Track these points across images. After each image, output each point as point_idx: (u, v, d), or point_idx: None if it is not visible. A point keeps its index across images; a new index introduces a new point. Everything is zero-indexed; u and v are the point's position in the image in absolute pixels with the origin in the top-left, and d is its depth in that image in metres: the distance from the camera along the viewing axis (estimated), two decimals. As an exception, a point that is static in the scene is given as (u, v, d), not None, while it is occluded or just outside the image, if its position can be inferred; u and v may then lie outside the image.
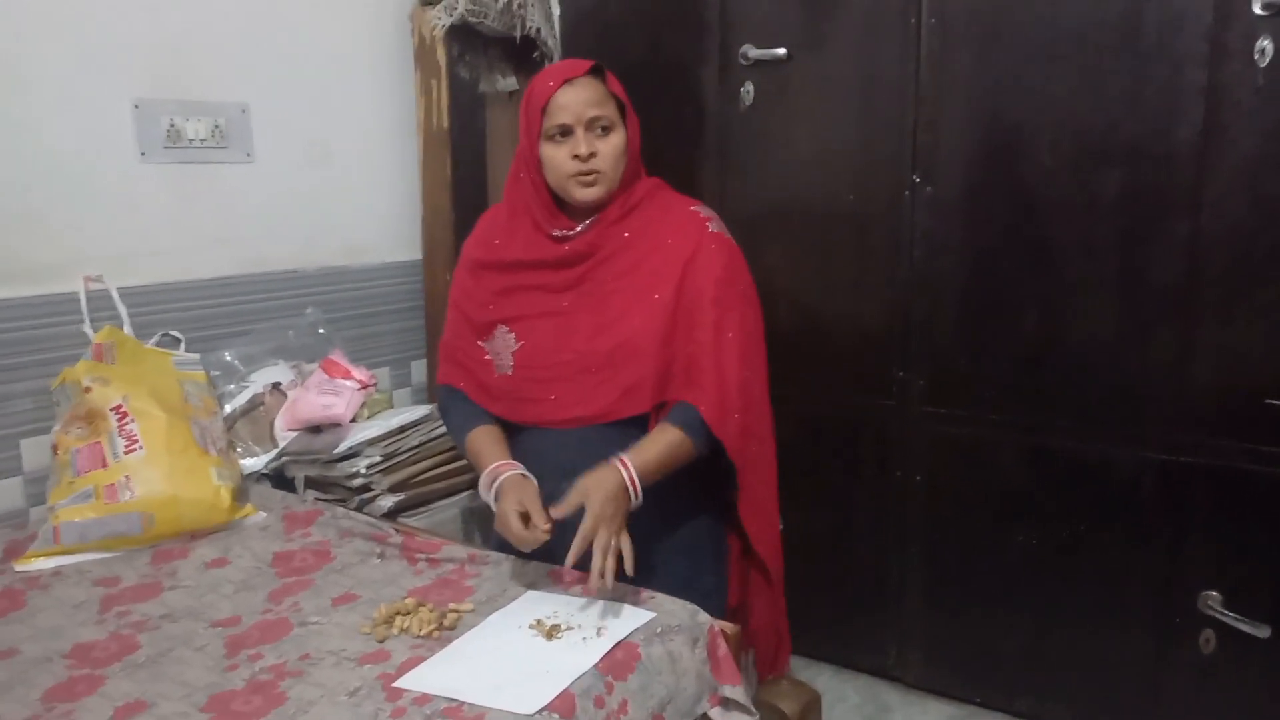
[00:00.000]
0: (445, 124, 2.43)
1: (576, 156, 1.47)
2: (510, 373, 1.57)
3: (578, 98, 1.47)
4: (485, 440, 1.56)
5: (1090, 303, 1.82)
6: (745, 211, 2.11)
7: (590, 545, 1.32)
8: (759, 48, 2.07)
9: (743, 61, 2.10)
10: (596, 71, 1.51)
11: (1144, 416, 1.79)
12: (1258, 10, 1.59)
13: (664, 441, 1.45)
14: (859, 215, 2.04)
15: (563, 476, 1.48)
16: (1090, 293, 1.82)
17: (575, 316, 1.54)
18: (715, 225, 1.58)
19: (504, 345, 1.58)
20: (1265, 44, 1.60)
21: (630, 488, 1.38)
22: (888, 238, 2.01)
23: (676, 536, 1.45)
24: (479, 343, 1.62)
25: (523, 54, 2.45)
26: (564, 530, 1.38)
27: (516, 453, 1.55)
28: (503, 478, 1.45)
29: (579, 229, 1.54)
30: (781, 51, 2.05)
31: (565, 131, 1.48)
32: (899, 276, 2.00)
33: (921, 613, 2.09)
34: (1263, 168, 1.64)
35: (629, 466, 1.39)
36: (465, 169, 2.49)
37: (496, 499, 1.44)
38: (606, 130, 1.49)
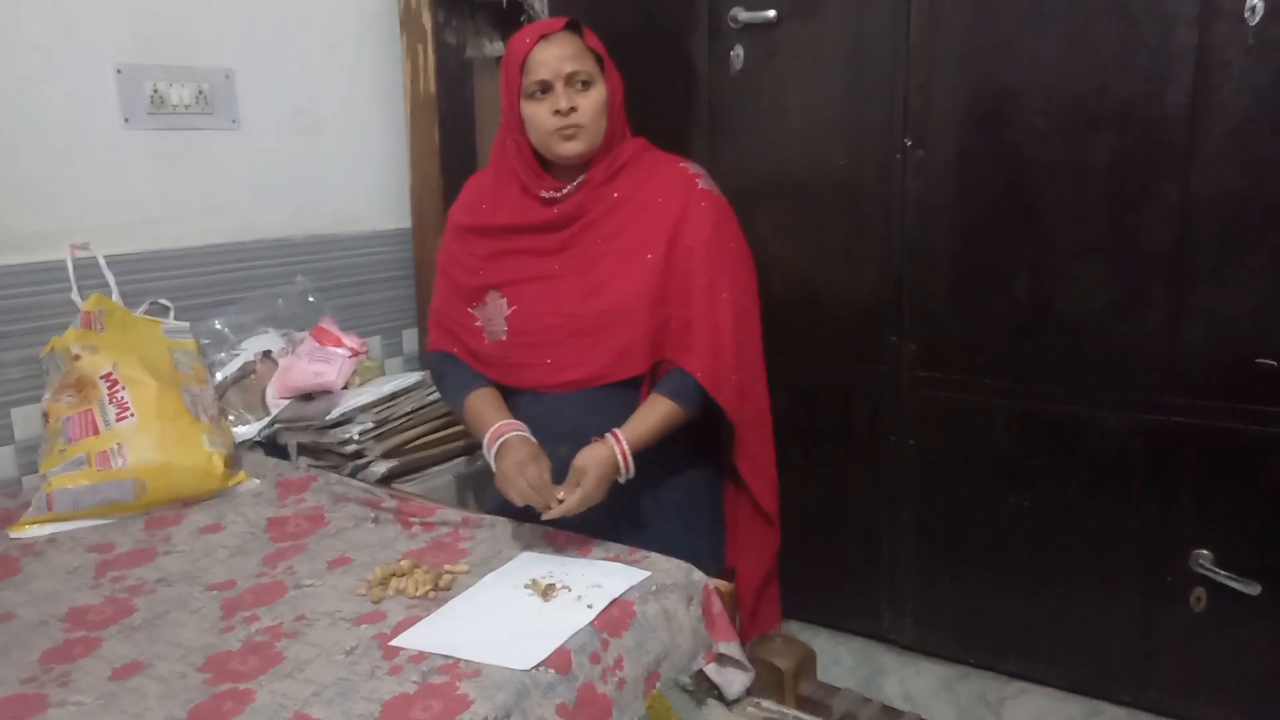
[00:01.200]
0: (432, 90, 2.41)
1: (557, 111, 1.47)
2: (504, 338, 1.57)
3: (555, 53, 1.47)
4: (484, 402, 1.57)
5: (1081, 267, 1.82)
6: (736, 177, 2.10)
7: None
8: (748, 10, 2.06)
9: (732, 25, 2.08)
10: (573, 27, 1.51)
11: (1135, 380, 1.79)
12: (1249, -32, 1.59)
13: (658, 413, 1.47)
14: (850, 180, 2.03)
15: (559, 440, 1.49)
16: (1081, 257, 1.81)
17: (566, 279, 1.54)
18: (704, 182, 1.58)
19: (496, 310, 1.58)
20: (1256, 2, 1.60)
21: (622, 463, 1.40)
22: (879, 203, 2.00)
23: (673, 498, 1.46)
24: (469, 309, 1.61)
25: (510, 19, 2.43)
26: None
27: (513, 417, 1.55)
28: (506, 437, 1.45)
29: (566, 190, 1.54)
30: (771, 14, 2.04)
31: (545, 88, 1.48)
32: (891, 241, 2.00)
33: (914, 576, 2.11)
34: (1253, 129, 1.63)
35: (622, 442, 1.41)
36: (453, 135, 2.47)
37: (497, 459, 1.45)
38: (586, 85, 1.49)
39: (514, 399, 1.59)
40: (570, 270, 1.54)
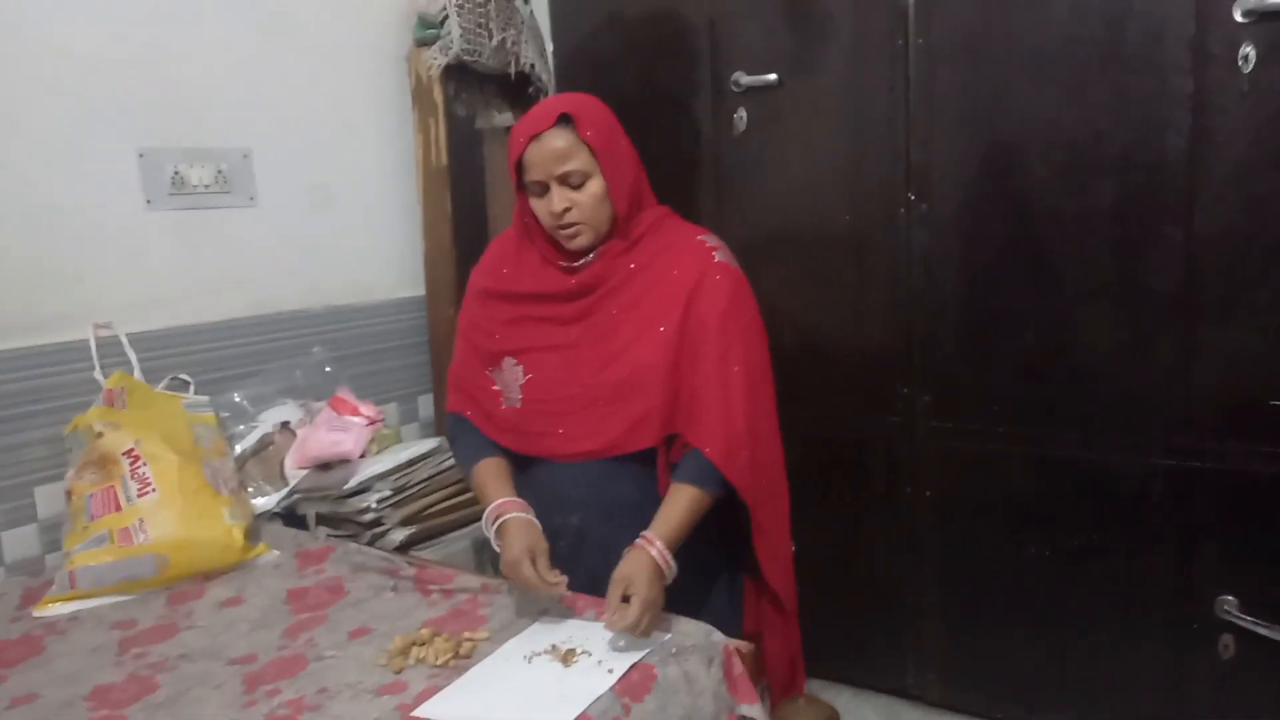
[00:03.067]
0: (444, 161, 2.47)
1: (553, 213, 1.48)
2: (519, 405, 1.58)
3: (545, 155, 1.46)
4: (490, 474, 1.57)
5: (1090, 312, 1.83)
6: (744, 236, 2.13)
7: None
8: (750, 74, 2.11)
9: (734, 89, 2.14)
10: (565, 120, 1.48)
11: (1149, 423, 1.80)
12: (1238, 17, 1.62)
13: (683, 504, 1.44)
14: (856, 236, 2.06)
15: (571, 509, 1.49)
16: (1090, 302, 1.83)
17: (582, 349, 1.55)
18: (721, 255, 1.58)
19: (512, 378, 1.59)
20: (1248, 50, 1.63)
21: (663, 564, 1.38)
22: (886, 257, 2.03)
23: (690, 559, 1.45)
24: (487, 372, 1.63)
25: (518, 89, 2.50)
26: (584, 563, 1.41)
27: (525, 485, 1.56)
28: (506, 518, 1.46)
29: (584, 261, 1.55)
30: (772, 77, 2.09)
31: (543, 188, 1.49)
32: (899, 295, 2.02)
33: (937, 630, 2.09)
34: (1253, 171, 1.66)
35: (656, 544, 1.38)
36: (465, 205, 2.52)
37: (498, 537, 1.46)
38: (582, 180, 1.48)
39: (528, 467, 1.59)
40: (587, 340, 1.54)
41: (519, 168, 1.50)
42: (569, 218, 1.48)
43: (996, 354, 1.94)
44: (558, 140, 1.46)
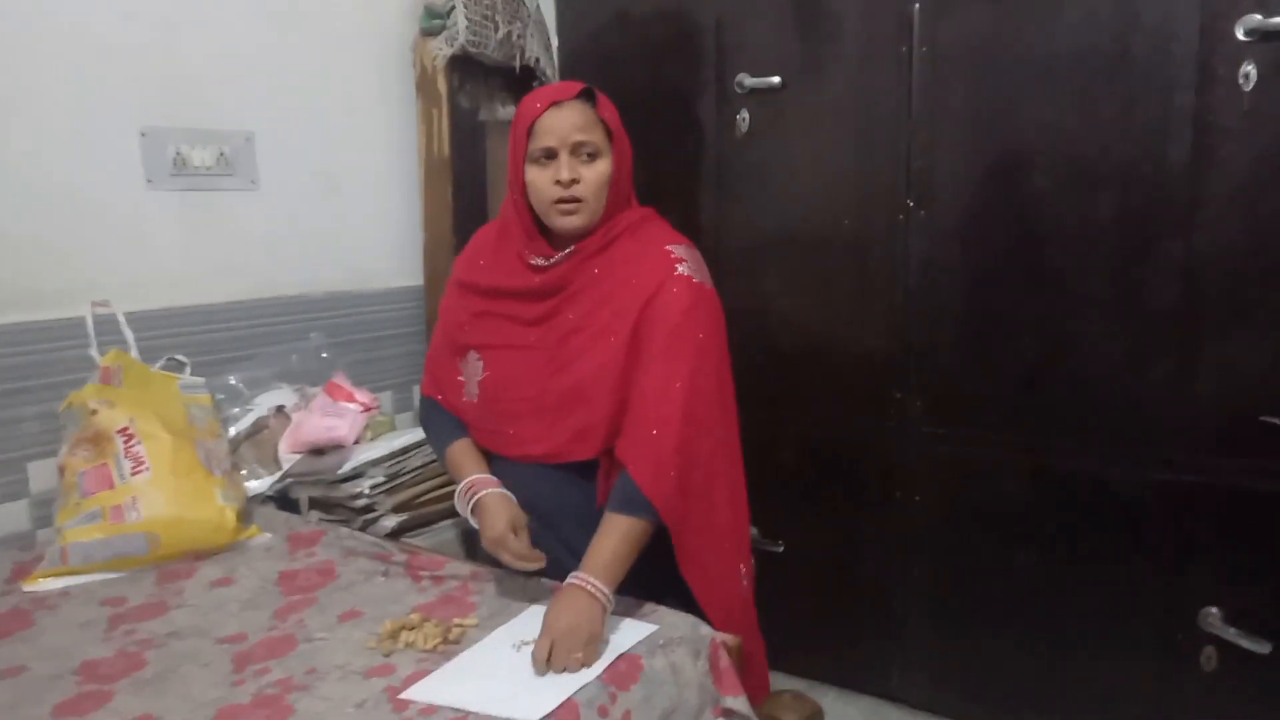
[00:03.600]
0: (446, 152, 2.47)
1: (559, 182, 1.44)
2: (475, 400, 1.59)
3: (564, 121, 1.44)
4: (464, 453, 1.59)
5: (1088, 323, 1.85)
6: (744, 237, 2.14)
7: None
8: (754, 76, 2.12)
9: (738, 90, 2.15)
10: (588, 95, 1.47)
11: (1144, 436, 1.81)
12: (1241, 36, 1.64)
13: (614, 536, 1.36)
14: (856, 240, 2.07)
15: (523, 508, 1.50)
16: (1088, 314, 1.84)
17: (540, 352, 1.52)
18: (686, 267, 1.49)
19: (473, 371, 1.59)
20: (1249, 69, 1.64)
21: (599, 599, 1.30)
22: (885, 262, 2.04)
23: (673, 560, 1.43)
24: (455, 361, 1.64)
25: (523, 83, 2.50)
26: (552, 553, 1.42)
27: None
28: (481, 494, 1.47)
29: (556, 258, 1.50)
30: (776, 80, 2.10)
31: (549, 154, 1.45)
32: (897, 299, 2.03)
33: (924, 634, 2.10)
34: (1253, 189, 1.67)
35: (588, 581, 1.31)
36: (466, 196, 2.53)
37: (474, 513, 1.47)
38: (592, 157, 1.46)
39: (490, 458, 1.61)
40: (545, 344, 1.52)
41: (529, 134, 1.46)
42: (575, 190, 1.45)
43: (993, 362, 1.95)
44: (578, 112, 1.45)
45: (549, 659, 1.22)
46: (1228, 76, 1.67)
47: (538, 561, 1.39)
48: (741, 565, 1.53)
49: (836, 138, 2.07)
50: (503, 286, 1.56)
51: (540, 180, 1.46)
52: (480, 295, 1.59)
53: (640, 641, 1.27)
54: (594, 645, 1.25)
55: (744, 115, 2.16)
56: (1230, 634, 1.73)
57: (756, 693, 1.62)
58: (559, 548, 1.50)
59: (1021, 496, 1.95)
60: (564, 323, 1.50)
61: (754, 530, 1.67)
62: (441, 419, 1.65)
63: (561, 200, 1.46)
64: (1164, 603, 1.81)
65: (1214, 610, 1.75)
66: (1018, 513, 1.96)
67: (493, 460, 1.59)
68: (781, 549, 2.15)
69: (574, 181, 1.44)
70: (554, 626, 1.25)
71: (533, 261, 1.52)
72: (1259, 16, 1.61)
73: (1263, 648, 1.70)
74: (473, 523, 1.48)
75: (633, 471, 1.38)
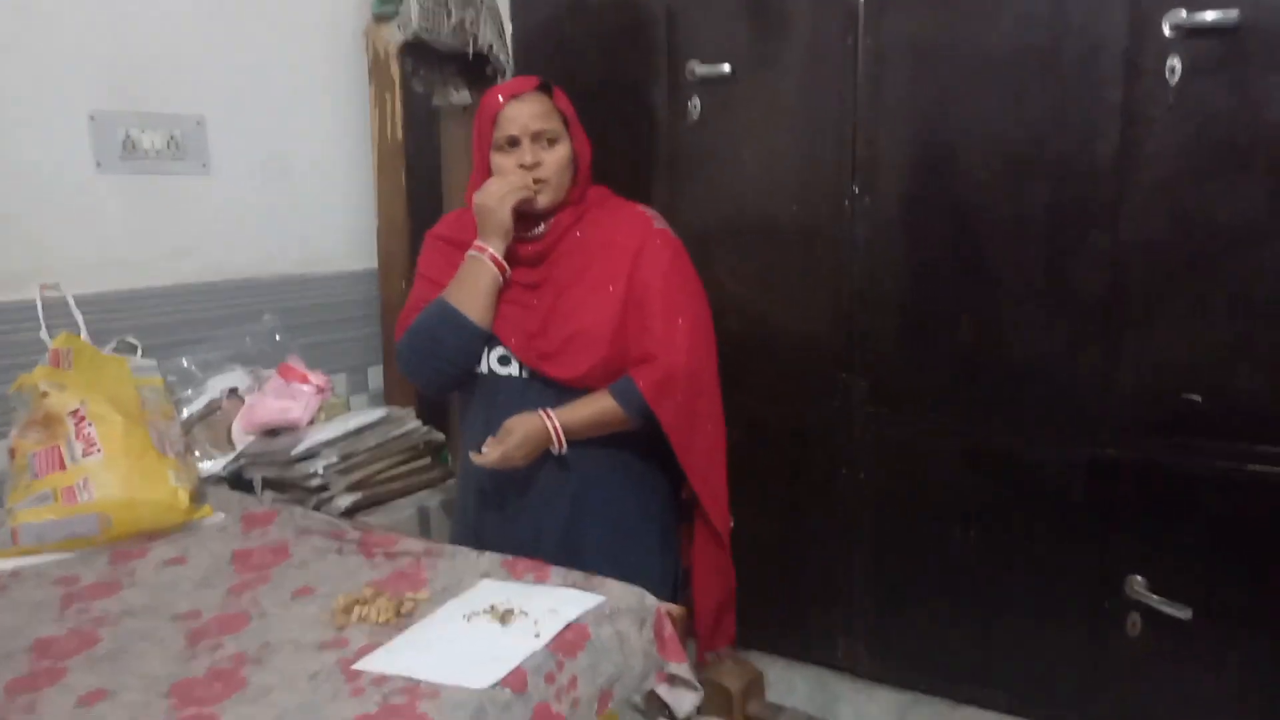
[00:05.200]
0: (399, 137, 2.48)
1: (523, 165, 1.58)
2: None
3: (524, 111, 1.59)
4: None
5: (1022, 312, 1.90)
6: (695, 222, 2.18)
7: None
8: (704, 64, 2.16)
9: (689, 78, 2.18)
10: (544, 88, 1.63)
11: (1074, 418, 1.88)
12: (1167, 32, 1.70)
13: (596, 405, 1.60)
14: (803, 225, 2.12)
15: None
16: (1022, 302, 1.90)
17: (534, 312, 1.64)
18: (659, 223, 1.70)
19: None
20: (1174, 63, 1.71)
21: (554, 434, 1.56)
22: (831, 248, 2.08)
23: (628, 522, 1.53)
24: None
25: (476, 69, 2.51)
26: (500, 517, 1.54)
27: (470, 401, 1.70)
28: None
29: (539, 230, 1.65)
30: (726, 68, 2.14)
31: (513, 142, 1.60)
32: (842, 285, 2.08)
33: (868, 606, 2.16)
34: (1177, 182, 1.73)
35: (553, 419, 1.56)
36: (419, 181, 2.54)
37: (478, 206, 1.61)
38: (552, 142, 1.61)
39: (474, 385, 1.69)
40: (541, 304, 1.65)
41: (493, 124, 1.61)
42: (538, 173, 1.59)
43: (932, 346, 2.01)
44: (537, 102, 1.61)
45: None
46: (1154, 71, 1.73)
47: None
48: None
49: (784, 126, 2.11)
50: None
51: (505, 165, 1.61)
52: None
53: (587, 612, 1.31)
54: (523, 450, 1.57)
55: (695, 102, 2.19)
56: (1154, 601, 1.81)
57: (723, 625, 1.78)
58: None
59: (959, 475, 2.01)
60: (557, 283, 1.65)
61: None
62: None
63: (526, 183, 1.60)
64: (1092, 573, 1.89)
65: (1139, 579, 1.83)
66: (955, 491, 2.02)
67: (484, 382, 1.68)
68: (731, 525, 2.20)
69: (537, 164, 1.59)
70: (505, 427, 1.57)
71: (518, 235, 1.64)
72: (1184, 12, 1.67)
73: (1184, 613, 1.78)
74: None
75: (641, 384, 1.58)
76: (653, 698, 1.33)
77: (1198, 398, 1.74)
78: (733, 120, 2.17)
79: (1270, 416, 1.69)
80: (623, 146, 2.25)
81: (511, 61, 2.50)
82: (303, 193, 2.45)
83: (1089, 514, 1.89)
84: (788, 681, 2.19)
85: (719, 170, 2.21)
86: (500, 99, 1.61)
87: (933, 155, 1.98)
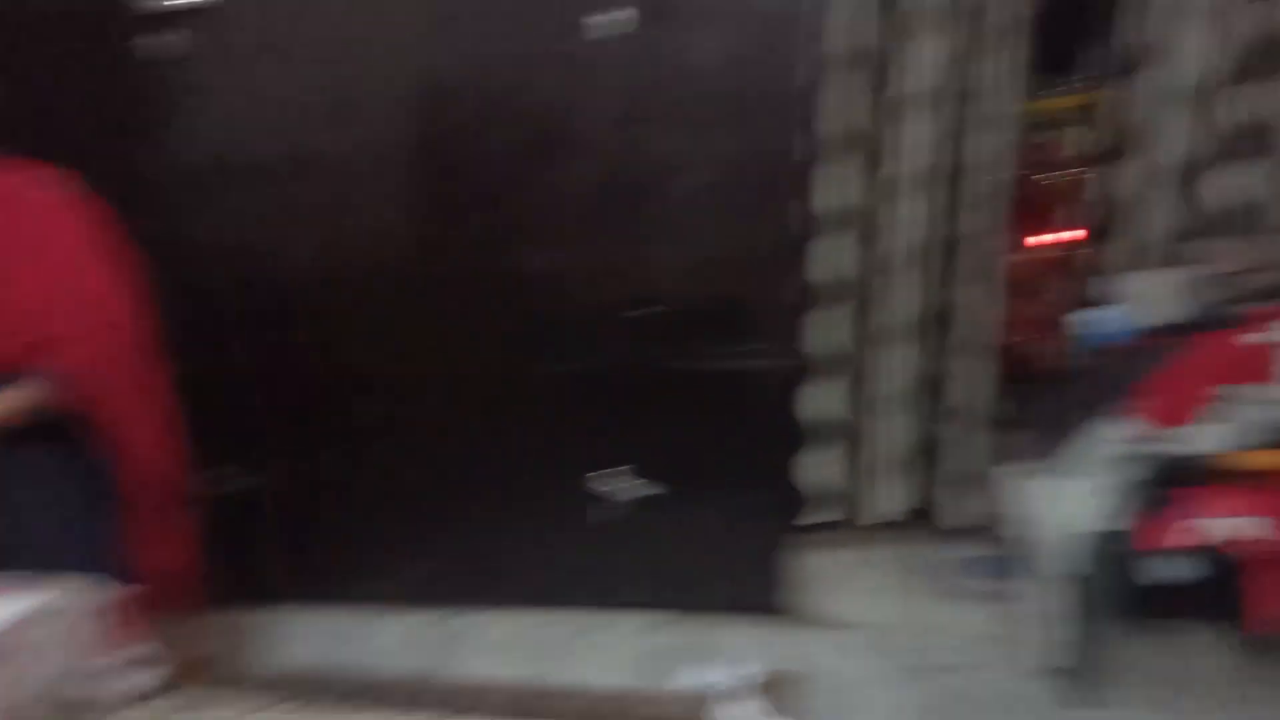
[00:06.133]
0: None
1: None
2: None
3: None
4: None
5: (509, 250, 2.09)
6: (171, 165, 2.08)
7: None
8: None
9: (164, 3, 2.00)
10: None
11: (549, 336, 2.13)
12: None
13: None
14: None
15: None
16: (511, 239, 2.08)
17: None
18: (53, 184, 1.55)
19: None
20: (631, 12, 1.89)
21: None
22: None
23: (44, 506, 1.47)
24: None
25: None
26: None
27: None
28: None
29: None
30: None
31: None
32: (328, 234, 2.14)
33: (385, 538, 2.28)
34: (625, 121, 1.97)
35: None
36: None
37: None
38: None
39: None
40: None
41: None
42: None
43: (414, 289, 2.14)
44: None
45: None
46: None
47: None
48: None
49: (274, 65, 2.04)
50: None
51: None
52: None
53: (26, 615, 1.25)
54: None
55: (175, 38, 2.03)
56: (634, 484, 2.12)
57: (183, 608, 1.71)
58: None
59: (429, 405, 2.19)
60: None
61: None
62: None
63: None
64: (580, 464, 2.15)
65: (622, 468, 2.13)
66: (453, 417, 2.19)
67: None
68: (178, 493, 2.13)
69: None
70: None
71: None
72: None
73: (658, 489, 2.12)
74: None
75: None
76: (110, 684, 1.32)
77: (660, 308, 2.04)
78: (224, 54, 2.04)
79: (709, 320, 2.04)
80: (78, 92, 2.04)
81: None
82: None
83: (575, 415, 2.15)
84: (288, 629, 2.23)
85: (204, 109, 2.08)
86: None
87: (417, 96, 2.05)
